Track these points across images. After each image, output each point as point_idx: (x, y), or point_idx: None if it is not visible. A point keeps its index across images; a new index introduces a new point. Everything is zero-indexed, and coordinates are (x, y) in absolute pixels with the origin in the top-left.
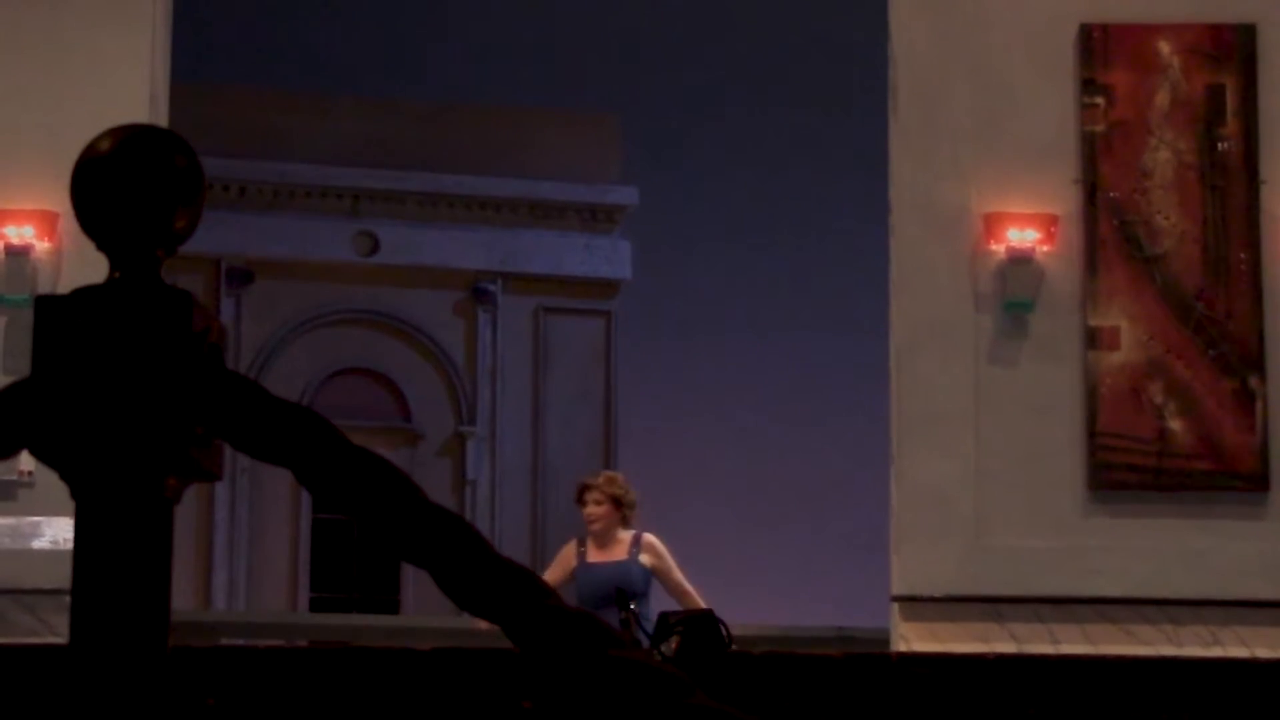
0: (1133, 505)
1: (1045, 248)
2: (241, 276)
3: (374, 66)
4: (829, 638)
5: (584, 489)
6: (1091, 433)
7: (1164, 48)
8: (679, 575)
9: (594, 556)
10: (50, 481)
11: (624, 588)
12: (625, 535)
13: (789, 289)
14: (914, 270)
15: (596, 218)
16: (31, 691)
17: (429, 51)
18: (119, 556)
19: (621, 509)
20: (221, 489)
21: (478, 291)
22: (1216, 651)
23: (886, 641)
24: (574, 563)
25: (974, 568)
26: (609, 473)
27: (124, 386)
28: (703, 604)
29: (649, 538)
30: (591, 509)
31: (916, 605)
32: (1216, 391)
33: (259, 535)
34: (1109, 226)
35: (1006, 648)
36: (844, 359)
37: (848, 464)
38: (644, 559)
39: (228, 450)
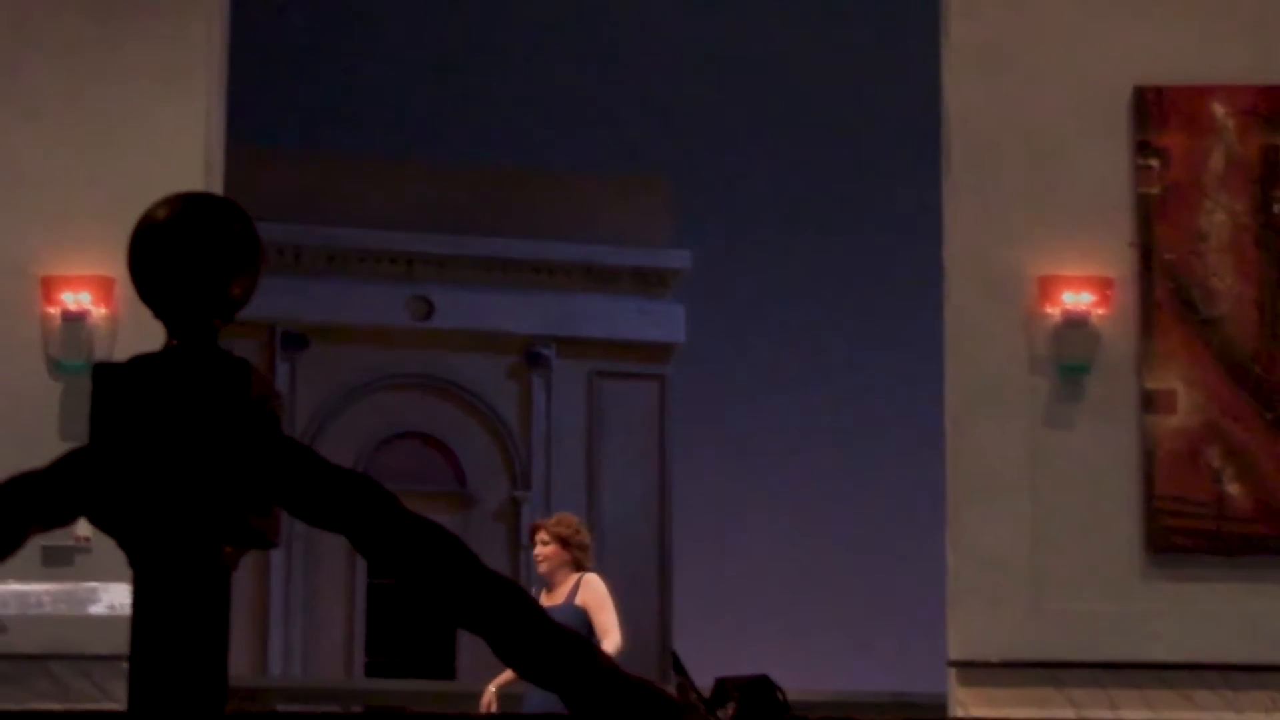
0: (1191, 569)
1: (1100, 310)
2: (296, 341)
3: (427, 132)
4: (886, 703)
5: (533, 530)
6: (1149, 496)
7: (1218, 110)
8: (605, 616)
9: (544, 602)
10: (107, 547)
11: None
12: (573, 578)
13: (843, 351)
14: (969, 333)
15: (650, 281)
16: None
17: (482, 117)
18: (177, 623)
19: (570, 550)
20: (276, 554)
21: (532, 356)
22: (1278, 718)
23: (944, 707)
24: None
25: (1031, 632)
26: (561, 514)
27: (182, 454)
28: (613, 649)
29: (589, 576)
30: (539, 549)
31: (974, 670)
32: (1275, 455)
33: (314, 600)
34: (1164, 289)
35: (1065, 714)
36: (900, 421)
37: (904, 526)
38: (578, 599)
39: (283, 515)
